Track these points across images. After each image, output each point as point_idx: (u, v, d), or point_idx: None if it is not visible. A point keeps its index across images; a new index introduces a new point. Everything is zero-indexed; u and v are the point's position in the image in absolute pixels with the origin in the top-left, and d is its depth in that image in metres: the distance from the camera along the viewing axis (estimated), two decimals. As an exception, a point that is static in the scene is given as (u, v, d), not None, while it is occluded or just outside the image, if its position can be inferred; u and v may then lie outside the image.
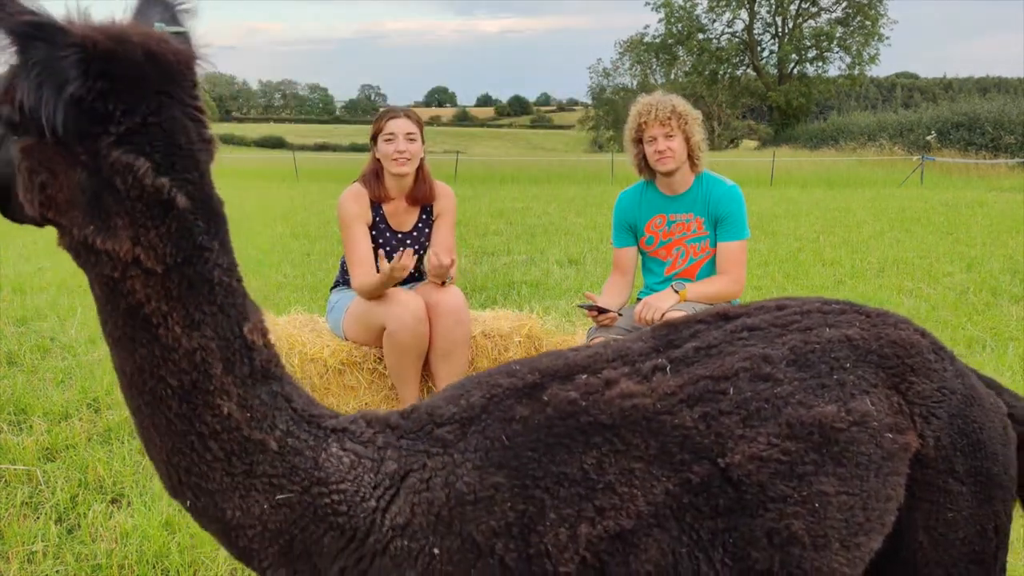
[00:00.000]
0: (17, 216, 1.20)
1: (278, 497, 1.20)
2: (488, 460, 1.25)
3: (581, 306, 3.39)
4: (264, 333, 1.23)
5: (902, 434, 1.46)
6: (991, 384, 1.71)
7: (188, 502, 1.27)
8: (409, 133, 3.41)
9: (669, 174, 3.38)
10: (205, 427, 1.17)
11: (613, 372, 1.38)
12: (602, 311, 3.29)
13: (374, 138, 3.49)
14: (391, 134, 3.40)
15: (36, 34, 1.01)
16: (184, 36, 1.21)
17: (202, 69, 1.17)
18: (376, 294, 3.32)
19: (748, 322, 1.53)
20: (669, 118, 3.30)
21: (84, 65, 1.03)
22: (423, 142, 3.50)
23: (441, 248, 3.57)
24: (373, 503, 1.23)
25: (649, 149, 3.36)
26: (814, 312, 1.58)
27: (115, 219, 1.10)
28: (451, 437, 1.28)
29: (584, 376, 1.36)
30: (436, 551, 1.21)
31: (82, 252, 1.15)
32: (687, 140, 3.34)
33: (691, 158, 3.39)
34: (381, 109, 3.60)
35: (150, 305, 1.12)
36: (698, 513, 1.29)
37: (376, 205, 3.53)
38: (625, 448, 1.28)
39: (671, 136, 3.31)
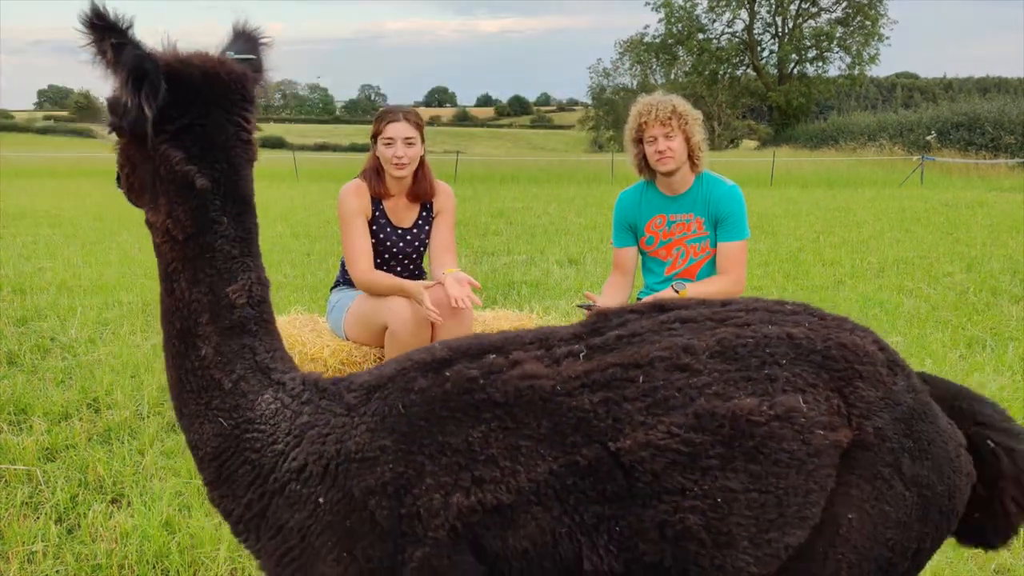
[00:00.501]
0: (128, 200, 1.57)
1: (214, 426, 1.43)
2: (381, 424, 1.37)
3: (580, 306, 3.39)
4: (251, 295, 1.46)
5: (835, 431, 1.42)
6: (963, 408, 1.63)
7: (179, 422, 1.51)
8: (408, 138, 3.40)
9: (669, 174, 3.38)
10: (189, 363, 1.44)
11: (522, 354, 1.44)
12: None
13: (374, 137, 3.48)
14: (390, 139, 3.39)
15: (138, 65, 1.34)
16: (252, 62, 1.54)
17: (258, 87, 1.52)
18: (380, 293, 3.32)
19: (683, 314, 1.53)
20: (669, 118, 3.30)
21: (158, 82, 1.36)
22: (423, 142, 3.50)
23: (441, 248, 3.56)
24: (280, 447, 1.41)
25: (649, 149, 3.36)
26: (761, 310, 1.56)
27: (160, 198, 1.43)
28: (355, 401, 1.44)
29: (492, 356, 1.44)
30: (321, 500, 1.36)
31: (147, 225, 1.48)
32: (687, 140, 3.34)
33: (691, 158, 3.39)
34: (382, 108, 3.58)
35: (172, 265, 1.44)
36: (583, 496, 1.31)
37: (376, 200, 3.53)
38: (515, 426, 1.33)
39: (671, 136, 3.31)
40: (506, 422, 1.34)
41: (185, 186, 1.41)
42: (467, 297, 3.13)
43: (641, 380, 1.38)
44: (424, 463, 1.32)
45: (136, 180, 1.47)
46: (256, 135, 1.52)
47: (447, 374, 1.40)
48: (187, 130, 1.40)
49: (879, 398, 1.47)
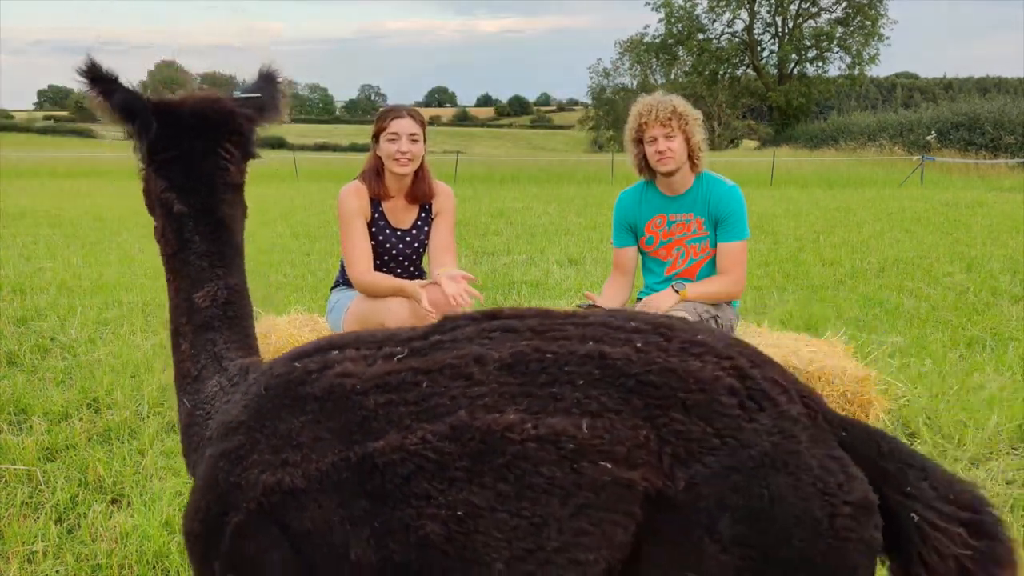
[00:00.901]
0: None
1: (183, 405, 1.73)
2: (248, 401, 1.54)
3: (579, 306, 3.39)
4: (214, 299, 1.72)
5: (632, 468, 1.27)
6: (890, 472, 1.40)
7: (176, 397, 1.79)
8: (412, 134, 3.40)
9: (669, 174, 3.38)
10: (177, 355, 1.75)
11: (353, 352, 1.52)
12: None
13: (376, 136, 3.47)
14: (394, 134, 3.39)
15: (130, 107, 1.64)
16: (256, 99, 1.79)
17: (258, 119, 1.78)
18: (379, 294, 3.33)
19: (508, 323, 1.49)
20: (670, 118, 3.30)
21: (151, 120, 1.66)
22: (425, 142, 3.50)
23: (441, 248, 3.57)
24: (209, 422, 1.66)
25: (649, 149, 3.36)
26: (601, 326, 1.45)
27: (157, 219, 1.73)
28: (249, 381, 1.64)
29: (335, 352, 1.54)
30: (202, 463, 1.59)
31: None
32: (687, 140, 3.34)
33: (691, 158, 3.39)
34: (385, 107, 3.57)
35: (167, 275, 1.74)
36: (352, 490, 1.37)
37: (375, 202, 3.53)
38: (323, 419, 1.44)
39: (671, 136, 3.31)
40: (318, 415, 1.44)
41: (169, 210, 1.69)
42: (464, 293, 3.13)
43: (424, 385, 1.40)
44: (259, 440, 1.46)
45: (149, 203, 1.76)
46: (246, 162, 1.78)
47: (298, 364, 1.54)
48: (173, 161, 1.67)
49: (711, 435, 1.30)
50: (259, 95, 1.81)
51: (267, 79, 1.86)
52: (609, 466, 1.28)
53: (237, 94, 1.79)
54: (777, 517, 1.27)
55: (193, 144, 1.68)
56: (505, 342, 1.43)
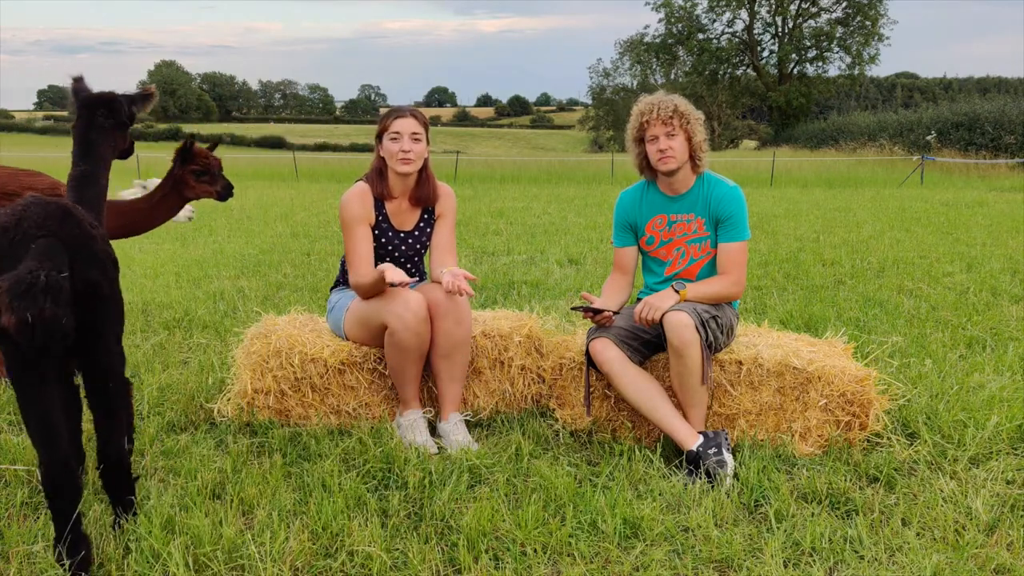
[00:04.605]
0: None
1: None
2: None
3: (574, 308, 3.39)
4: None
5: None
6: None
7: None
8: (415, 133, 3.42)
9: (671, 174, 3.38)
10: None
11: None
12: (597, 312, 3.29)
13: (379, 136, 3.49)
14: (397, 133, 3.41)
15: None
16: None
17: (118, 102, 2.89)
18: (369, 294, 3.34)
19: None
20: (671, 117, 3.30)
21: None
22: (428, 143, 3.51)
23: (442, 248, 3.57)
24: None
25: (651, 148, 3.36)
26: None
27: None
28: None
29: None
30: None
31: None
32: (689, 140, 3.34)
33: (693, 158, 3.39)
34: (388, 108, 3.60)
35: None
36: None
37: (379, 203, 3.54)
38: None
39: (673, 135, 3.31)
40: None
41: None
42: (460, 283, 3.15)
43: None
44: None
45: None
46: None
47: None
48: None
49: None
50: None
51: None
52: None
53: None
54: None
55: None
56: None
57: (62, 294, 2.01)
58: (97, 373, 2.37)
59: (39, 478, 2.45)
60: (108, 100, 2.81)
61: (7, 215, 2.20)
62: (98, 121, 2.78)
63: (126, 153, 3.05)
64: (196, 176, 4.45)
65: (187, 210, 5.44)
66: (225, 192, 4.55)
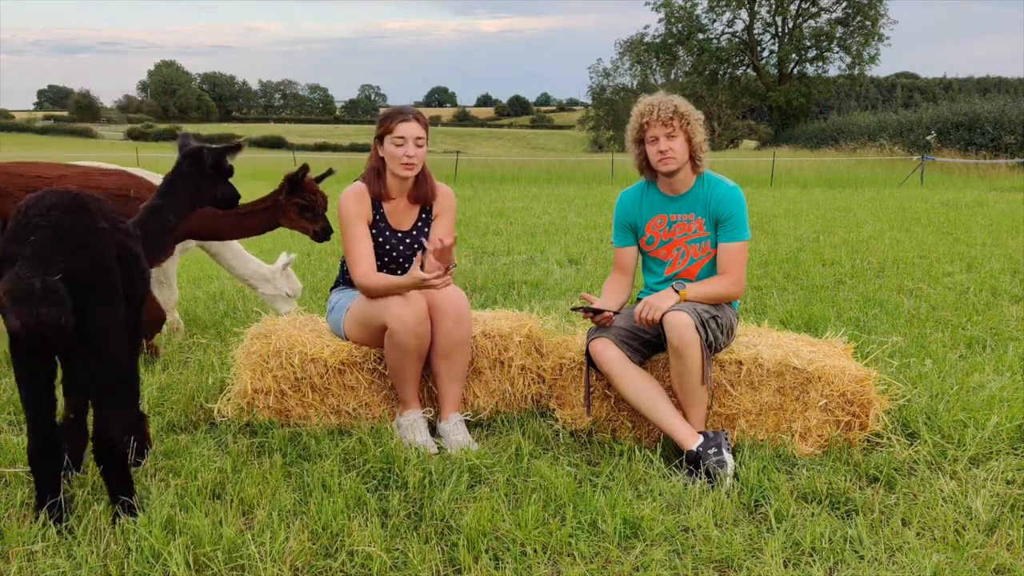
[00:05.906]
0: None
1: None
2: None
3: (574, 309, 3.39)
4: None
5: None
6: None
7: None
8: (419, 138, 3.40)
9: (671, 174, 3.38)
10: None
11: None
12: (597, 312, 3.29)
13: (381, 137, 3.46)
14: (401, 138, 3.38)
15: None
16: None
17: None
18: (386, 294, 3.31)
19: None
20: (671, 118, 3.30)
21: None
22: (427, 143, 3.50)
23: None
24: None
25: (651, 149, 3.36)
26: None
27: None
28: None
29: None
30: None
31: None
32: (689, 141, 3.34)
33: (693, 159, 3.39)
34: (389, 108, 3.54)
35: None
36: None
37: (376, 202, 3.53)
38: None
39: (673, 136, 3.31)
40: None
41: None
42: (450, 244, 3.24)
43: None
44: None
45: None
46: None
47: None
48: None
49: None
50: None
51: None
52: None
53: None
54: None
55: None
56: None
57: (58, 296, 2.14)
58: (92, 354, 2.49)
59: (27, 448, 2.63)
60: (194, 152, 3.08)
61: (23, 202, 2.37)
62: (182, 169, 3.07)
63: (223, 202, 3.20)
64: (299, 210, 4.31)
65: (283, 258, 5.30)
66: (323, 234, 4.34)
